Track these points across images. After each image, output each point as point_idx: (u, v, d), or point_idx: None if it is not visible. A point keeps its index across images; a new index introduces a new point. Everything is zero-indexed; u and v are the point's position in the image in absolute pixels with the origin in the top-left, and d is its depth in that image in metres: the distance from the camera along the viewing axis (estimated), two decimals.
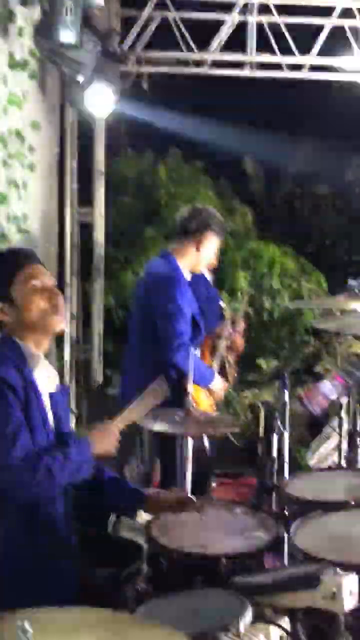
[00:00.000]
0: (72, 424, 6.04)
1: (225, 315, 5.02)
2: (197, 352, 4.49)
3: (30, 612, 1.80)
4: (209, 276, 5.16)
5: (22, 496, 2.58)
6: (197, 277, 4.68)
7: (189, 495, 3.09)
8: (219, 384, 4.54)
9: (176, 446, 3.87)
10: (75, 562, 2.76)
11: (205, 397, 4.44)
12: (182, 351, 4.16)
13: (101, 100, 5.98)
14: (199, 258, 4.49)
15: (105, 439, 2.77)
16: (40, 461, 2.54)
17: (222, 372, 4.75)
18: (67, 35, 5.15)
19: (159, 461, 4.44)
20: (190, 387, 3.56)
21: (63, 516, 2.74)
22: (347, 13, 6.34)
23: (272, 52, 6.38)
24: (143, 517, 3.07)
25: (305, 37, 6.42)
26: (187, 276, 4.49)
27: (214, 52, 6.39)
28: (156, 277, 4.50)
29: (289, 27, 6.35)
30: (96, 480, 2.82)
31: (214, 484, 4.89)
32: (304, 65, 6.42)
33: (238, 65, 6.48)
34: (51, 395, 2.77)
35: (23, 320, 2.70)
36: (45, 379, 2.77)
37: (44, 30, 5.29)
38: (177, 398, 3.43)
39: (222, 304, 5.02)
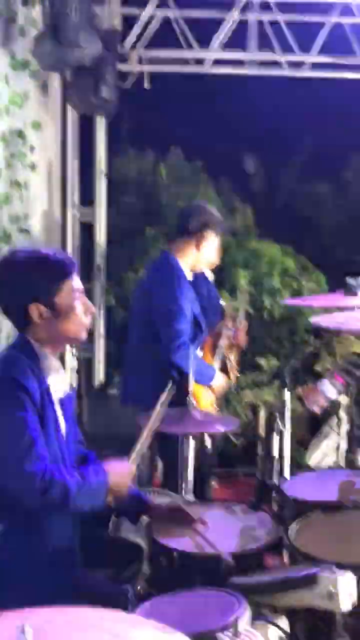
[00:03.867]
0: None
1: (226, 314, 5.03)
2: (199, 351, 4.50)
3: (29, 612, 1.81)
4: (209, 275, 5.17)
5: (29, 506, 2.55)
6: (198, 276, 4.69)
7: (189, 508, 3.06)
8: (220, 381, 4.55)
9: (176, 446, 3.88)
10: (76, 565, 2.77)
11: (206, 396, 4.45)
12: (183, 351, 4.17)
13: (102, 99, 5.98)
14: (199, 257, 4.50)
15: (121, 475, 2.71)
16: (56, 477, 2.50)
17: (224, 370, 4.76)
18: (77, 36, 5.19)
19: (159, 461, 4.45)
20: (191, 386, 3.58)
21: (63, 516, 2.74)
22: (347, 11, 6.34)
23: (273, 50, 6.38)
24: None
25: (306, 35, 6.42)
26: (188, 275, 4.50)
27: (215, 50, 6.40)
28: (157, 277, 4.51)
29: (290, 25, 6.35)
30: None
31: (214, 484, 4.90)
32: (304, 63, 6.43)
33: (239, 63, 6.48)
34: (61, 401, 2.75)
35: (58, 328, 2.68)
36: (58, 383, 2.75)
37: (48, 31, 5.32)
38: (178, 397, 3.44)
39: (222, 302, 5.03)
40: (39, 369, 2.65)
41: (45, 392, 2.65)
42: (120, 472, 2.71)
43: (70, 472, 2.57)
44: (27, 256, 2.72)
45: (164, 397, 3.06)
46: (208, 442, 4.44)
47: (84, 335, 2.76)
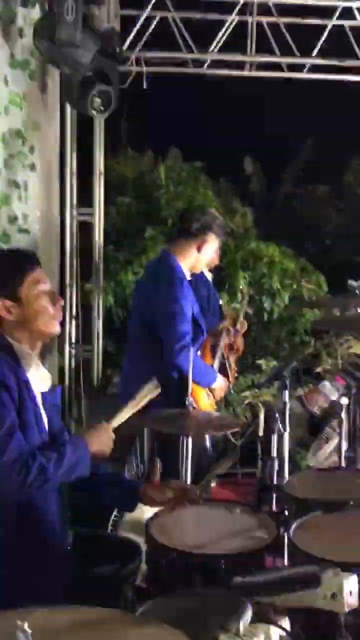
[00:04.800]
0: (72, 425, 6.05)
1: (225, 315, 5.02)
2: (199, 352, 4.49)
3: (29, 612, 1.79)
4: (209, 276, 5.16)
5: (13, 496, 2.59)
6: (197, 277, 4.68)
7: (186, 486, 3.08)
8: (220, 384, 4.54)
9: (176, 446, 3.87)
10: (69, 562, 2.77)
11: (206, 397, 4.44)
12: (184, 352, 4.16)
13: (101, 100, 5.98)
14: (199, 258, 4.50)
15: (101, 439, 2.78)
16: (34, 461, 2.55)
17: (223, 371, 4.75)
18: (68, 34, 5.15)
19: (159, 461, 4.44)
20: (191, 387, 3.56)
21: (57, 516, 2.75)
22: (347, 13, 6.34)
23: (272, 52, 6.38)
24: (143, 509, 3.07)
25: (305, 37, 6.42)
26: (188, 276, 4.49)
27: (213, 52, 6.39)
28: (157, 278, 4.50)
29: (289, 27, 6.35)
30: (91, 479, 2.82)
31: (214, 484, 4.89)
32: (304, 66, 6.42)
33: (238, 65, 6.48)
34: (43, 395, 2.79)
35: (25, 321, 2.73)
36: (38, 378, 2.80)
37: (44, 30, 5.29)
38: (178, 398, 3.42)
39: (221, 303, 5.02)
40: (17, 364, 2.70)
41: (25, 386, 2.70)
42: (99, 437, 2.77)
43: (48, 454, 2.61)
44: None
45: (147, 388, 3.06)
46: (208, 443, 4.43)
47: (55, 327, 2.80)
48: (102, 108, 6.08)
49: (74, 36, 5.17)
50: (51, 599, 1.91)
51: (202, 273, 4.77)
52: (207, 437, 4.42)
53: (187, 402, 3.50)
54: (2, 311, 2.71)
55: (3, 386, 2.62)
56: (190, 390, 3.55)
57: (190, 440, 3.63)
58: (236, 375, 5.06)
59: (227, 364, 4.87)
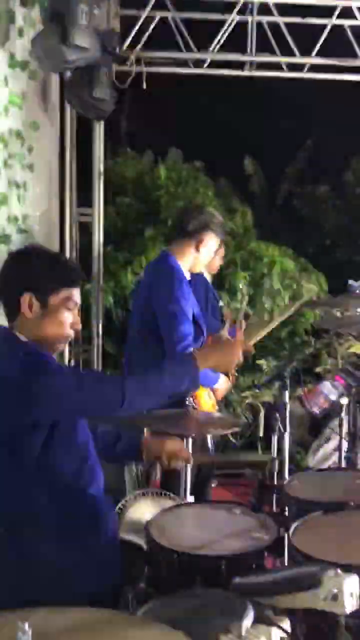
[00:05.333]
0: None
1: (225, 315, 5.02)
2: None
3: (29, 612, 1.79)
4: (207, 276, 5.15)
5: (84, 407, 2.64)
6: (196, 277, 4.67)
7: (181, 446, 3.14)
8: (223, 384, 4.54)
9: None
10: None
11: (207, 398, 4.43)
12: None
13: (100, 100, 5.98)
14: (198, 258, 4.48)
15: (219, 352, 2.83)
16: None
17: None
18: (76, 37, 5.18)
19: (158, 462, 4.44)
20: None
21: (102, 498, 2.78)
22: (347, 13, 6.34)
23: (272, 52, 6.37)
24: (143, 510, 3.07)
25: (305, 37, 6.42)
26: (187, 276, 4.48)
27: (213, 52, 6.39)
28: (157, 278, 4.49)
29: (289, 26, 6.35)
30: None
31: (214, 484, 4.89)
32: (304, 65, 6.42)
33: (238, 65, 6.47)
34: None
35: (41, 327, 2.72)
36: None
37: (46, 31, 5.30)
38: (178, 399, 3.41)
39: (221, 303, 5.02)
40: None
41: None
42: (214, 350, 2.86)
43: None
44: (45, 251, 2.88)
45: None
46: (209, 443, 4.43)
47: (59, 346, 2.83)
48: (102, 108, 6.09)
49: (83, 38, 5.20)
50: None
51: (201, 273, 4.76)
52: (208, 437, 4.42)
53: (187, 403, 3.49)
54: (25, 306, 2.70)
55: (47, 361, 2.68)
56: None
57: (190, 440, 3.62)
58: (236, 375, 5.05)
59: None
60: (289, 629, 2.37)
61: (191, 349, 2.78)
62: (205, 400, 4.37)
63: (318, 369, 6.07)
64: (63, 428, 2.62)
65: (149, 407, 2.84)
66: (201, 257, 4.48)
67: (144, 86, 6.40)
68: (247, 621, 2.23)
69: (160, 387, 2.69)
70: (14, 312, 2.72)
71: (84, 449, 2.75)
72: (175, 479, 3.76)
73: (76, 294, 2.78)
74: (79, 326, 2.81)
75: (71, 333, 2.78)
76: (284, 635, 2.34)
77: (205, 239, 4.44)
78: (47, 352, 2.74)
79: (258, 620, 2.29)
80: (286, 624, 2.37)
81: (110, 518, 2.82)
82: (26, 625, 1.62)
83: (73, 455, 2.69)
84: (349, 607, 2.24)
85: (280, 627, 2.34)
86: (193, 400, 3.96)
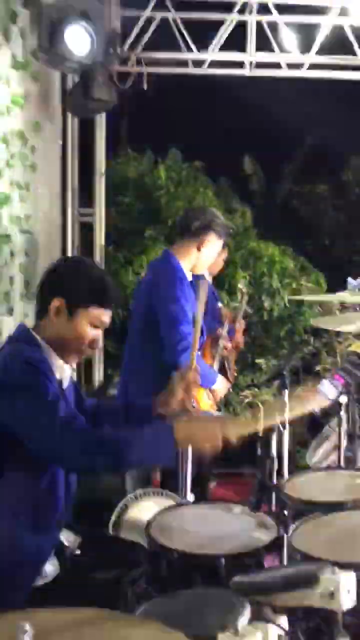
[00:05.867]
0: None
1: (224, 316, 5.03)
2: (199, 353, 4.50)
3: (30, 612, 1.81)
4: (208, 277, 5.16)
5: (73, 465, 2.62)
6: (198, 278, 4.68)
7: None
8: (221, 385, 4.55)
9: None
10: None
11: (206, 398, 4.45)
12: (187, 353, 4.16)
13: (100, 99, 5.99)
14: (200, 259, 4.48)
15: (200, 431, 2.70)
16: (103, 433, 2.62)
17: (222, 372, 4.76)
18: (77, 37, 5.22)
19: None
20: None
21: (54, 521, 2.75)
22: (346, 12, 6.35)
23: (272, 51, 6.38)
24: (142, 510, 3.09)
25: (304, 36, 6.42)
26: (189, 276, 4.48)
27: (213, 51, 6.40)
28: (158, 277, 4.49)
29: (288, 26, 6.36)
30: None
31: (213, 484, 4.90)
32: (303, 64, 6.43)
33: (238, 64, 6.48)
34: (64, 392, 2.82)
35: (61, 334, 2.74)
36: (64, 374, 2.82)
37: (48, 32, 5.33)
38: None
39: (219, 304, 5.03)
40: (44, 357, 2.73)
41: (53, 377, 2.73)
42: (196, 428, 2.72)
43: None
44: (94, 267, 2.94)
45: None
46: None
47: (74, 359, 2.83)
48: (102, 107, 6.11)
49: (84, 39, 5.23)
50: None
51: (202, 275, 4.77)
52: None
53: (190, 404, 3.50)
54: (53, 308, 2.73)
55: (45, 376, 2.64)
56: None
57: None
58: (235, 374, 5.06)
59: (226, 363, 4.88)
60: (286, 627, 2.38)
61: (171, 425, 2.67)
62: (205, 400, 4.39)
63: (317, 368, 6.08)
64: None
65: (118, 470, 2.82)
66: (203, 257, 4.48)
67: (145, 86, 6.42)
68: (245, 619, 2.24)
69: (130, 456, 2.61)
70: (43, 312, 2.77)
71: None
72: (174, 478, 3.78)
73: (106, 315, 2.79)
74: (98, 345, 2.83)
75: (87, 351, 2.80)
76: (282, 632, 2.36)
77: (206, 240, 4.44)
78: (53, 361, 2.74)
79: (256, 618, 2.31)
80: (284, 622, 2.39)
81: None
82: (26, 625, 1.63)
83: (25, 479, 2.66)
84: (346, 604, 2.26)
85: (278, 625, 2.36)
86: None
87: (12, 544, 2.62)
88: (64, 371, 2.82)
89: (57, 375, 2.77)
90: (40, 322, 2.78)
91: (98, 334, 2.79)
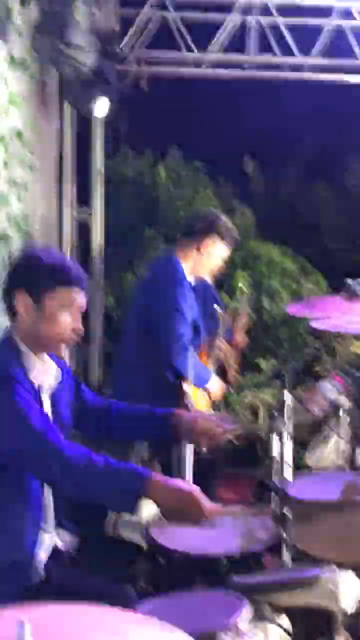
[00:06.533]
0: None
1: (222, 316, 5.01)
2: (195, 354, 4.48)
3: (29, 611, 1.79)
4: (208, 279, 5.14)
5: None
6: (201, 280, 4.64)
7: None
8: (215, 384, 4.53)
9: (173, 448, 3.86)
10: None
11: (202, 398, 4.43)
12: (181, 353, 4.15)
13: (100, 100, 5.99)
14: (201, 261, 4.44)
15: (174, 499, 2.51)
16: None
17: (222, 372, 4.75)
18: (76, 36, 5.18)
19: (156, 464, 4.43)
20: (187, 387, 3.56)
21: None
22: (347, 14, 6.35)
23: (273, 52, 6.38)
24: (143, 509, 3.08)
25: (306, 38, 6.42)
26: (190, 278, 4.46)
27: (214, 52, 6.39)
28: (158, 276, 4.49)
29: (289, 27, 6.35)
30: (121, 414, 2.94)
31: (214, 485, 4.88)
32: (304, 66, 6.42)
33: (238, 65, 6.47)
34: (52, 393, 2.77)
35: (38, 328, 2.68)
36: (45, 377, 2.75)
37: (46, 30, 5.30)
38: (171, 399, 3.41)
39: (216, 307, 5.01)
40: (22, 364, 2.68)
41: (31, 387, 2.67)
42: (170, 494, 2.52)
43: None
44: (47, 251, 2.90)
45: None
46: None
47: (59, 347, 2.75)
48: (102, 108, 6.10)
49: (82, 38, 5.20)
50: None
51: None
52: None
53: (187, 403, 3.50)
54: (20, 306, 2.68)
55: (20, 384, 2.59)
56: (188, 391, 3.56)
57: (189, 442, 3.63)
58: (236, 374, 5.05)
59: (226, 364, 4.86)
60: (287, 627, 2.37)
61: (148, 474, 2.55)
62: (199, 400, 4.37)
63: (317, 369, 6.06)
64: None
65: (80, 501, 2.70)
66: (205, 260, 4.43)
67: (144, 86, 6.41)
68: (246, 618, 2.23)
69: (96, 494, 2.54)
70: (11, 311, 2.71)
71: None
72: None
73: (76, 295, 2.71)
74: (81, 330, 2.74)
75: (71, 336, 2.72)
76: (282, 632, 2.35)
77: (208, 242, 4.40)
78: (33, 366, 2.69)
79: (256, 617, 2.30)
80: (284, 622, 2.38)
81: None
82: (25, 622, 1.62)
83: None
84: (346, 604, 2.25)
85: (278, 625, 2.35)
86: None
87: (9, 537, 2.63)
88: (47, 374, 2.76)
89: (36, 382, 2.71)
90: (14, 324, 2.72)
91: (77, 319, 2.72)
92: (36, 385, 2.71)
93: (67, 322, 2.70)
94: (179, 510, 2.49)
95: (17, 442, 2.53)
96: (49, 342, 2.72)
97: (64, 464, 2.50)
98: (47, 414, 2.67)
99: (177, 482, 2.60)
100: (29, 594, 2.45)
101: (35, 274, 2.69)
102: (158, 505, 2.52)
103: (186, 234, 4.49)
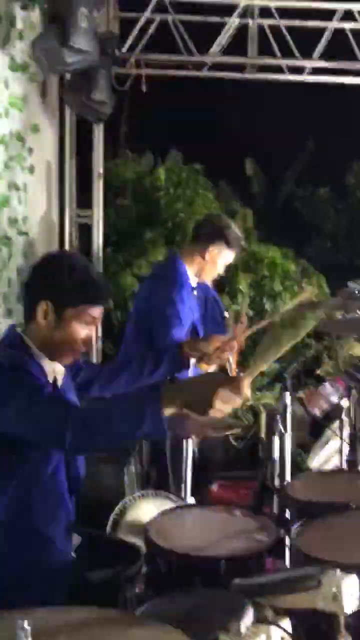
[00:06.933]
0: None
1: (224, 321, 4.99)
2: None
3: (29, 612, 1.78)
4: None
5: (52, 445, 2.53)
6: (204, 285, 4.62)
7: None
8: None
9: (172, 449, 3.86)
10: (69, 569, 2.72)
11: None
12: (173, 358, 4.12)
13: (100, 103, 5.99)
14: (205, 266, 4.41)
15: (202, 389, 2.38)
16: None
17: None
18: (77, 39, 5.18)
19: (155, 465, 4.42)
20: None
21: (62, 523, 2.71)
22: (348, 16, 6.34)
23: (273, 55, 6.37)
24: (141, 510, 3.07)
25: (306, 40, 6.42)
26: (193, 282, 4.43)
27: (214, 54, 6.39)
28: (158, 278, 4.47)
29: (290, 29, 6.35)
30: None
31: (214, 486, 4.88)
32: (305, 68, 6.42)
33: (239, 67, 6.47)
34: (61, 390, 2.77)
35: (53, 337, 2.66)
36: (58, 376, 2.76)
37: (47, 33, 5.30)
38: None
39: (226, 314, 4.98)
40: (37, 363, 2.67)
41: (46, 380, 2.68)
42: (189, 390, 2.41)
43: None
44: (76, 262, 2.75)
45: None
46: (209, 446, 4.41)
47: (67, 361, 2.73)
48: (102, 110, 6.10)
49: (83, 41, 5.20)
50: (50, 604, 1.89)
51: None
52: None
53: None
54: (40, 313, 2.64)
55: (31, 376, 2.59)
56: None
57: (190, 442, 3.62)
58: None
59: (227, 365, 4.84)
60: (289, 629, 2.36)
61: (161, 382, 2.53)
62: None
63: (319, 371, 6.05)
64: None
65: (101, 447, 2.68)
66: (209, 266, 4.40)
67: (143, 88, 6.41)
68: (247, 620, 2.22)
69: (112, 426, 2.37)
70: (30, 315, 2.69)
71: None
72: (175, 479, 3.75)
73: (97, 311, 2.70)
74: (91, 343, 2.77)
75: (82, 349, 2.71)
76: (284, 634, 2.33)
77: (213, 248, 4.36)
78: (45, 366, 2.68)
79: (258, 619, 2.29)
80: (286, 624, 2.37)
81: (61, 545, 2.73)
82: (26, 625, 1.61)
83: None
84: (349, 607, 2.24)
85: (280, 627, 2.34)
86: None
87: (40, 538, 2.62)
88: (57, 372, 2.75)
89: (50, 378, 2.71)
90: (28, 326, 2.70)
91: (91, 331, 2.71)
92: (50, 380, 2.71)
93: (82, 334, 2.68)
94: (203, 393, 2.36)
95: (31, 414, 2.46)
96: (62, 353, 2.70)
97: (80, 413, 2.47)
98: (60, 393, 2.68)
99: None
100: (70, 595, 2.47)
101: (61, 288, 2.65)
102: (185, 403, 2.37)
103: (194, 238, 4.47)
